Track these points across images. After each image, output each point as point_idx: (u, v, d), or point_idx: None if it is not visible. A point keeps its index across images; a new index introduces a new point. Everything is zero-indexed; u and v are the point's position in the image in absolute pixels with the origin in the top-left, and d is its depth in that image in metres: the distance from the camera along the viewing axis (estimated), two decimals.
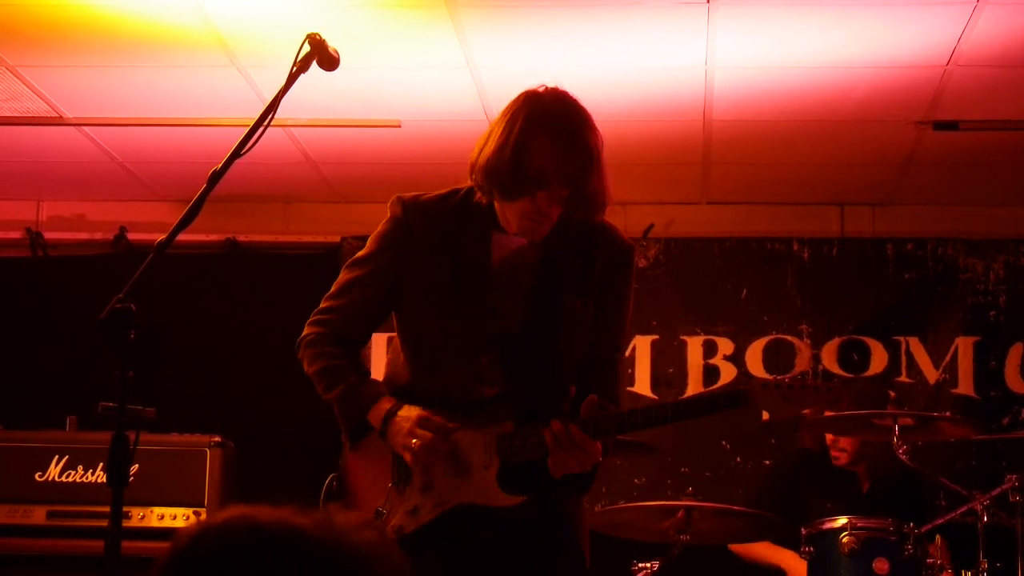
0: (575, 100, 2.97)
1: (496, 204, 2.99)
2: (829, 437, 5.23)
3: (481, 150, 2.94)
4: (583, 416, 2.89)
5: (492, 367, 3.00)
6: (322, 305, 3.15)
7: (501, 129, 2.92)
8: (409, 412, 2.97)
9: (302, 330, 3.15)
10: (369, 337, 3.21)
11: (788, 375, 2.95)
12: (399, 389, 3.06)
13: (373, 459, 3.09)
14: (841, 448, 5.19)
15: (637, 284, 3.19)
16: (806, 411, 2.98)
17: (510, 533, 2.97)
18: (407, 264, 3.05)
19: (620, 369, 3.17)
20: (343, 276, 3.14)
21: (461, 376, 3.00)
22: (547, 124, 2.89)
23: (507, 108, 2.97)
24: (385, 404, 3.00)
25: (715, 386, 6.34)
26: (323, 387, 3.09)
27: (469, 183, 3.04)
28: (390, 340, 3.23)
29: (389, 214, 3.11)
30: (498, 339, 2.99)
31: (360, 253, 3.14)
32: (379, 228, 3.13)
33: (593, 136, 2.92)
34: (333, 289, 3.15)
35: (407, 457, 2.97)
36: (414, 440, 2.94)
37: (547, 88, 2.98)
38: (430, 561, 2.93)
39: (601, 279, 3.05)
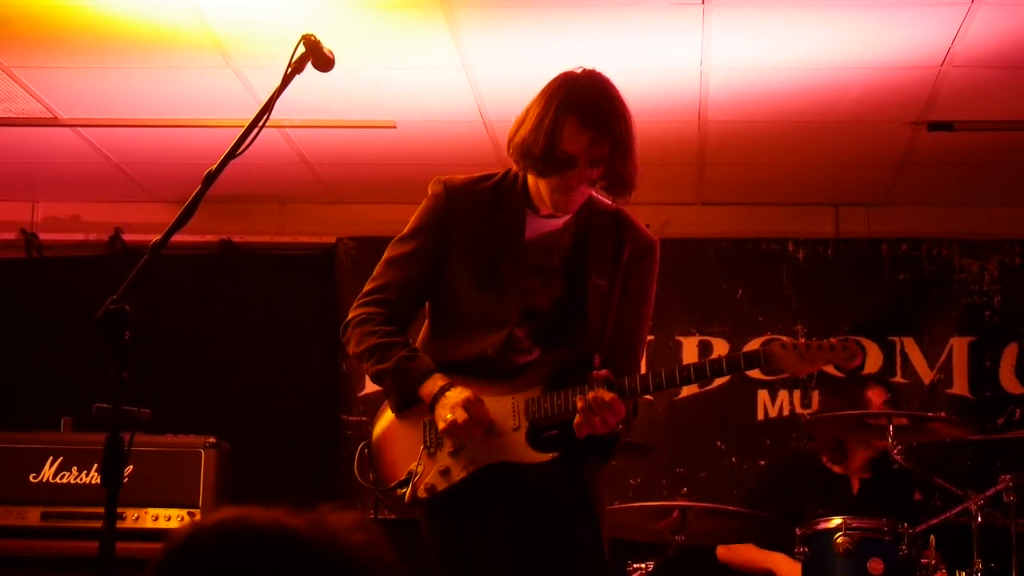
0: (610, 85, 3.09)
1: (530, 178, 3.15)
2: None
3: (518, 129, 3.09)
4: (610, 378, 3.03)
5: (525, 339, 3.14)
6: (367, 287, 3.25)
7: (538, 111, 3.06)
8: (460, 394, 3.07)
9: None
10: (416, 314, 3.29)
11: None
12: (433, 360, 3.16)
13: (405, 425, 3.19)
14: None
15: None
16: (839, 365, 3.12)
17: (537, 492, 3.10)
18: (448, 242, 3.18)
19: (642, 349, 3.30)
20: (388, 255, 3.25)
21: (495, 347, 3.12)
22: (580, 109, 3.02)
23: (545, 88, 3.10)
24: (439, 381, 3.10)
25: (711, 386, 6.34)
26: (373, 362, 3.17)
27: (503, 168, 3.21)
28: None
29: (430, 192, 3.23)
30: (530, 314, 3.14)
31: (403, 232, 3.25)
32: (421, 206, 3.25)
33: (623, 122, 3.05)
34: (377, 269, 3.26)
35: (440, 426, 3.07)
36: (449, 415, 3.04)
37: (585, 71, 3.10)
38: (459, 519, 3.08)
39: (627, 266, 3.20)
